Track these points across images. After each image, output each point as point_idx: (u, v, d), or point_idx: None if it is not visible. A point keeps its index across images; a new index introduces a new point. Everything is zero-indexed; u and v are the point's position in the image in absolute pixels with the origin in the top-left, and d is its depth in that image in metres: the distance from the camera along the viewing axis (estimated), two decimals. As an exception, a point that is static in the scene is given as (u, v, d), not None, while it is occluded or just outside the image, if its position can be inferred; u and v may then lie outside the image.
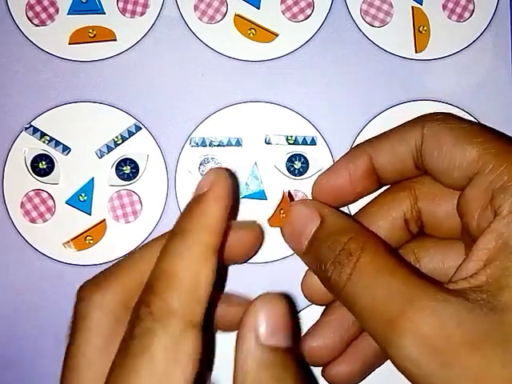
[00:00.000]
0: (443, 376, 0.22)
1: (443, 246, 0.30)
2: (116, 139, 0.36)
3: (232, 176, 0.27)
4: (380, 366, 0.32)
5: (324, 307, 0.32)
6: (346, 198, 0.31)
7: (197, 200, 0.26)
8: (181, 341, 0.23)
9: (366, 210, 0.31)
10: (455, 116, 0.29)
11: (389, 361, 0.24)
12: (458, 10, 0.36)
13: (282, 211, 0.30)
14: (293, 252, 0.35)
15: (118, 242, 0.35)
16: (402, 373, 0.23)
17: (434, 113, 0.29)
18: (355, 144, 0.36)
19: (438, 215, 0.30)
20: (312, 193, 0.31)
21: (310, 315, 0.34)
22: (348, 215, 0.30)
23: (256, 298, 0.25)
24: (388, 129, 0.35)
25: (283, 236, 0.30)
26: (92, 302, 0.27)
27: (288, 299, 0.30)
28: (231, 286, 0.35)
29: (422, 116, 0.29)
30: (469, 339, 0.22)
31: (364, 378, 0.32)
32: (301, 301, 0.34)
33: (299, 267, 0.34)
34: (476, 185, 0.25)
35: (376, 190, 0.31)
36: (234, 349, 0.25)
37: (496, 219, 0.24)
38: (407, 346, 0.23)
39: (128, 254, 0.29)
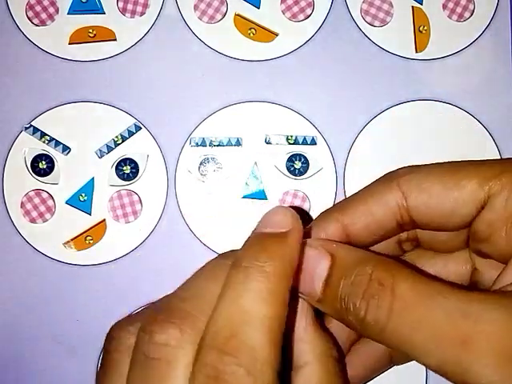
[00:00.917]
0: None
1: (442, 255, 0.30)
2: (116, 139, 0.36)
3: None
4: (382, 373, 0.32)
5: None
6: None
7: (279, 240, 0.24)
8: None
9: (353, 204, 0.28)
10: (418, 165, 0.27)
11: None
12: (459, 9, 0.36)
13: None
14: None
15: (118, 241, 0.35)
16: None
17: (398, 169, 0.27)
18: (355, 144, 0.36)
19: (436, 238, 0.28)
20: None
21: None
22: (357, 247, 0.26)
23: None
24: (388, 128, 0.35)
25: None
26: (184, 352, 0.22)
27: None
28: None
29: (388, 175, 0.27)
30: None
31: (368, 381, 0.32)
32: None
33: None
34: (493, 207, 0.25)
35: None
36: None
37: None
38: (487, 367, 0.21)
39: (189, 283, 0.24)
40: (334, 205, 0.28)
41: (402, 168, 0.27)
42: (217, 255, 0.26)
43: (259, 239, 0.24)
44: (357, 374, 0.30)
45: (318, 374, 0.25)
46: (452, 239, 0.28)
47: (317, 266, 0.25)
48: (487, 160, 0.27)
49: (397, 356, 0.30)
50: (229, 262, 0.23)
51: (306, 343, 0.25)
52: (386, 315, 0.22)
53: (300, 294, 0.26)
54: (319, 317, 0.26)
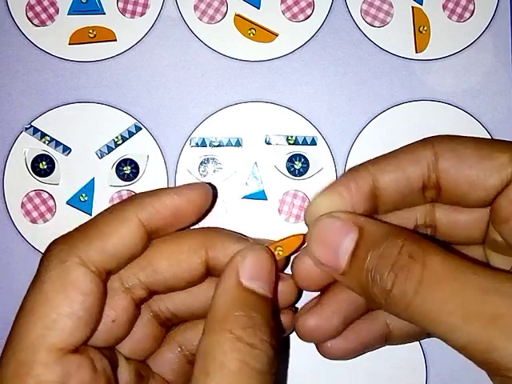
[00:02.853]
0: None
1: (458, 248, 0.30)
2: (116, 139, 0.36)
3: None
4: (376, 349, 0.32)
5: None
6: None
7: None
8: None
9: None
10: (455, 135, 0.28)
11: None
12: (459, 10, 0.36)
13: (279, 248, 0.29)
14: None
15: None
16: (506, 376, 0.21)
17: (440, 135, 0.27)
18: (355, 144, 0.36)
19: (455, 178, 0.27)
20: (305, 216, 0.28)
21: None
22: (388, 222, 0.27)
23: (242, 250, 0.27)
24: (388, 129, 0.35)
25: (313, 259, 0.27)
26: (75, 254, 0.26)
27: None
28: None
29: (428, 138, 0.27)
30: None
31: (358, 355, 0.31)
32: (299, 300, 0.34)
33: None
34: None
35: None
36: (216, 285, 0.26)
37: None
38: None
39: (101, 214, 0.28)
40: (370, 159, 0.28)
41: (441, 135, 0.27)
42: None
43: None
44: (351, 348, 0.30)
45: (207, 346, 0.25)
46: (470, 227, 0.28)
47: (344, 239, 0.25)
48: None
49: (394, 336, 0.30)
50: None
51: (214, 312, 0.26)
52: (414, 288, 0.22)
53: (322, 267, 0.26)
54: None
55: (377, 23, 0.36)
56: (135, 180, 0.36)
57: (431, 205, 0.28)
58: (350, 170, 0.28)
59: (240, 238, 0.30)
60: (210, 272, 0.29)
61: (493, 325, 0.21)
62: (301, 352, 0.35)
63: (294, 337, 0.32)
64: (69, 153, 0.36)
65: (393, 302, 0.23)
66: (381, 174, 0.27)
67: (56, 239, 0.28)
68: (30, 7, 0.36)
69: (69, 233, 0.28)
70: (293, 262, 0.29)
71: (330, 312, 0.29)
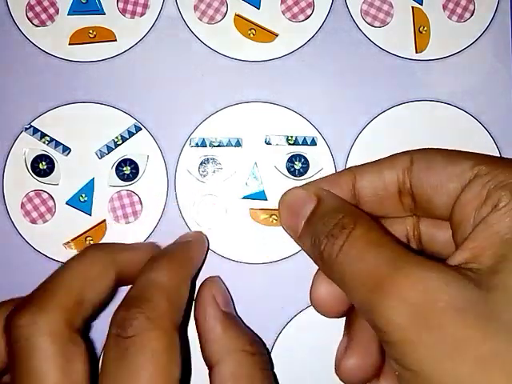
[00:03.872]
0: (425, 340, 0.22)
1: None
2: (116, 140, 0.36)
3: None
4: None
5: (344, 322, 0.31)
6: None
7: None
8: (173, 339, 0.27)
9: None
10: (439, 148, 0.29)
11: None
12: (459, 10, 0.36)
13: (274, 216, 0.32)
14: (293, 253, 0.35)
15: (119, 242, 0.35)
16: (385, 341, 0.23)
17: (420, 148, 0.29)
18: (355, 144, 0.36)
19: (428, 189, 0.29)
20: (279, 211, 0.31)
21: (309, 317, 0.35)
22: (340, 197, 0.30)
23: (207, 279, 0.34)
24: (388, 129, 0.36)
25: (280, 220, 0.31)
26: (38, 328, 0.27)
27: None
28: (231, 285, 0.35)
29: (409, 150, 0.29)
30: (454, 306, 0.22)
31: None
32: (300, 302, 0.34)
33: (299, 268, 0.35)
34: (471, 189, 0.26)
35: None
36: (196, 317, 0.31)
37: (493, 211, 0.24)
38: (391, 309, 0.23)
39: (53, 274, 0.29)
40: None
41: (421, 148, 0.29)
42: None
43: (169, 245, 0.33)
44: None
45: (230, 369, 0.29)
46: (447, 244, 0.29)
47: (303, 206, 0.29)
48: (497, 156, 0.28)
49: None
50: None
51: (215, 343, 0.30)
52: (336, 252, 0.25)
53: (287, 231, 0.30)
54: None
55: (377, 23, 0.36)
56: (135, 180, 0.36)
57: (417, 218, 0.30)
58: (335, 172, 0.32)
59: (140, 246, 0.34)
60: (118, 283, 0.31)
61: (376, 291, 0.23)
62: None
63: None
64: (68, 153, 0.36)
65: (323, 263, 0.27)
66: (360, 175, 0.29)
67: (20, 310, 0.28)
68: (30, 7, 0.36)
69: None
70: (310, 290, 0.30)
71: (361, 349, 0.29)
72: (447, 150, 0.28)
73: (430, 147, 0.29)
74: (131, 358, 0.26)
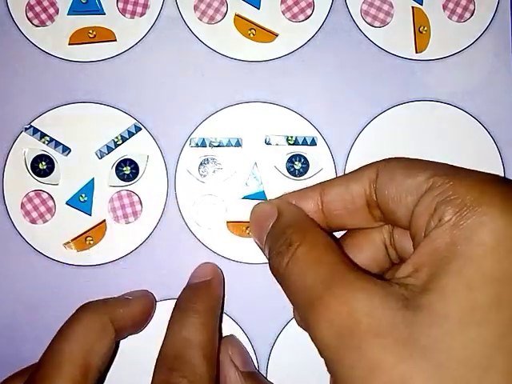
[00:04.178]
0: (346, 361, 0.23)
1: None
2: (116, 140, 0.36)
3: None
4: None
5: None
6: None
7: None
8: None
9: (348, 235, 0.32)
10: (405, 158, 0.29)
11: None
12: (459, 10, 0.36)
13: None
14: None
15: (119, 242, 0.35)
16: (321, 356, 0.24)
17: (386, 158, 0.29)
18: (355, 144, 0.36)
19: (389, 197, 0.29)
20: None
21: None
22: (305, 213, 0.31)
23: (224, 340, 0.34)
24: (388, 129, 0.35)
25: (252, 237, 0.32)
26: None
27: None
28: (231, 285, 0.35)
29: (379, 160, 0.30)
30: (374, 329, 0.22)
31: None
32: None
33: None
34: (423, 202, 0.25)
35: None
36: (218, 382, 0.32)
37: (436, 227, 0.24)
38: (320, 330, 0.24)
39: (53, 346, 0.31)
40: None
41: (388, 158, 0.29)
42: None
43: (191, 288, 0.34)
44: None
45: None
46: None
47: (266, 220, 0.30)
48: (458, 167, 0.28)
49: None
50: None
51: None
52: (283, 268, 0.27)
53: (256, 244, 0.31)
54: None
55: (377, 23, 0.36)
56: (135, 180, 0.36)
57: (391, 227, 0.30)
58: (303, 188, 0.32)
59: (133, 299, 0.35)
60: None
61: (310, 312, 0.24)
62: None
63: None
64: (68, 153, 0.36)
65: (275, 276, 0.28)
66: (328, 189, 0.30)
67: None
68: (30, 7, 0.36)
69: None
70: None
71: None
72: (410, 160, 0.29)
73: (394, 157, 0.29)
74: None
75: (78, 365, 0.29)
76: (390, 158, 0.29)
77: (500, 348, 0.22)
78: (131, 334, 0.34)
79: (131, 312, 0.33)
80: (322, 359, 0.24)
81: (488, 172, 0.26)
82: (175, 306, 0.33)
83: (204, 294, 0.33)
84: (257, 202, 0.35)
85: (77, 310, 0.32)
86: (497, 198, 0.24)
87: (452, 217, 0.24)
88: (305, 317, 0.25)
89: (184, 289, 0.34)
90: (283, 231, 0.28)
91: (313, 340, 0.25)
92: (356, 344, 0.23)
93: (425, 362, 0.22)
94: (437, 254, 0.24)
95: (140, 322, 0.34)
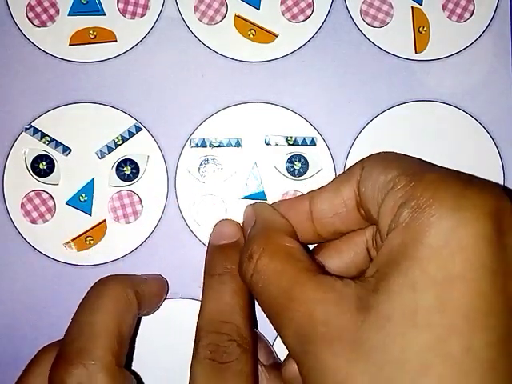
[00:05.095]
0: (306, 365, 0.24)
1: None
2: (116, 140, 0.36)
3: None
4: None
5: None
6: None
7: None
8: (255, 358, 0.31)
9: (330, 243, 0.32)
10: (394, 152, 0.30)
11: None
12: (458, 10, 0.36)
13: None
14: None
15: (119, 242, 0.36)
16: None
17: (374, 153, 0.29)
18: (355, 145, 0.36)
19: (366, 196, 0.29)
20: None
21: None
22: (278, 217, 0.31)
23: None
24: (387, 129, 0.35)
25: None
26: (95, 376, 0.28)
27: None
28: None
29: (364, 158, 0.29)
30: (327, 335, 0.23)
31: None
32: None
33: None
34: (387, 202, 0.25)
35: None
36: None
37: (394, 227, 0.24)
38: (287, 337, 0.25)
39: (84, 315, 0.30)
40: None
41: (374, 153, 0.30)
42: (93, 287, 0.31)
43: (222, 250, 0.33)
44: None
45: None
46: None
47: (247, 227, 0.31)
48: (433, 165, 0.28)
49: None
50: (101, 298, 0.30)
51: None
52: (249, 279, 0.28)
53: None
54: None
55: (376, 24, 0.36)
56: (135, 180, 0.36)
57: (374, 227, 0.30)
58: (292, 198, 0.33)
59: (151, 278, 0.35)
60: None
61: (278, 320, 0.26)
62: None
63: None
64: (69, 153, 0.36)
65: (244, 281, 0.29)
66: (318, 198, 0.30)
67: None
68: (31, 8, 0.36)
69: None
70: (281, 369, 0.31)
71: None
72: (390, 155, 0.29)
73: (378, 153, 0.29)
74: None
75: (114, 335, 0.29)
76: (374, 154, 0.29)
77: (438, 352, 0.22)
78: (144, 315, 0.34)
79: (149, 289, 0.33)
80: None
81: (464, 172, 0.27)
82: (206, 270, 0.32)
83: (236, 257, 0.32)
84: (256, 202, 0.35)
85: (100, 283, 0.32)
86: (448, 197, 0.23)
87: (406, 218, 0.24)
88: (274, 325, 0.26)
89: (210, 251, 0.33)
90: (248, 243, 0.29)
91: (284, 346, 0.26)
92: (312, 350, 0.24)
93: (367, 363, 0.22)
94: (390, 255, 0.24)
95: (156, 301, 0.34)
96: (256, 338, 0.32)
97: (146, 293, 0.33)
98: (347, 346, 0.23)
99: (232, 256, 0.32)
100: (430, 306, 0.22)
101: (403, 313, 0.22)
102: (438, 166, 0.28)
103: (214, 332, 0.29)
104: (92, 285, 0.32)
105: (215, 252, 0.33)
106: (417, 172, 0.25)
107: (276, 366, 0.33)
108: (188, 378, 0.29)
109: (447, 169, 0.27)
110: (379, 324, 0.22)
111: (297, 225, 0.30)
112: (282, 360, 0.32)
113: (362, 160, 0.29)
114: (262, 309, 0.27)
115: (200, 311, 0.31)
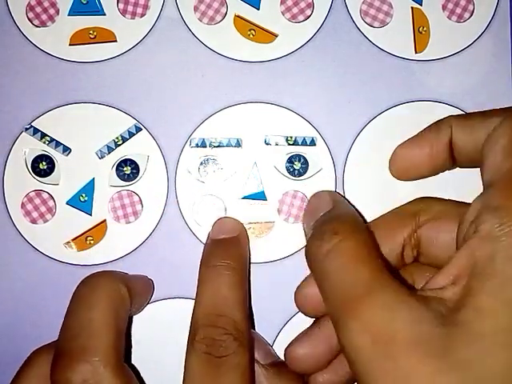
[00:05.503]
0: (378, 368, 0.23)
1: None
2: (116, 140, 0.36)
3: None
4: None
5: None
6: (422, 172, 0.32)
7: None
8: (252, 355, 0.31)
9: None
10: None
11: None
12: (458, 10, 0.36)
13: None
14: (293, 251, 0.35)
15: (119, 242, 0.36)
16: (346, 357, 0.24)
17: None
18: (355, 145, 0.36)
19: (437, 245, 0.30)
20: (390, 163, 0.33)
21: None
22: (355, 210, 0.31)
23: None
24: (387, 129, 0.35)
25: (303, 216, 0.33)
26: (98, 373, 0.28)
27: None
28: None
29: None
30: (412, 340, 0.22)
31: None
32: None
33: (299, 267, 0.35)
34: (472, 205, 0.25)
35: (450, 169, 0.32)
36: None
37: (473, 236, 0.24)
38: (353, 331, 0.24)
39: (80, 312, 0.30)
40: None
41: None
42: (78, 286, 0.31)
43: (220, 244, 0.33)
44: (341, 380, 0.31)
45: None
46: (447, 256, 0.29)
47: (319, 208, 0.30)
48: None
49: None
50: (95, 293, 0.30)
51: None
52: (322, 255, 0.26)
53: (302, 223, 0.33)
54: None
55: (376, 24, 0.36)
56: (135, 180, 0.36)
57: (416, 226, 0.30)
58: (433, 124, 0.32)
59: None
60: None
61: (344, 309, 0.24)
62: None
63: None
64: (69, 153, 0.36)
65: (310, 259, 0.28)
66: (456, 128, 0.30)
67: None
68: (31, 8, 0.36)
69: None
70: (297, 288, 0.31)
71: (317, 341, 0.30)
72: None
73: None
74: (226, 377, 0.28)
75: (114, 331, 0.29)
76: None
77: None
78: (131, 314, 0.34)
79: (137, 286, 0.33)
80: (348, 359, 0.24)
81: None
82: (203, 261, 0.32)
83: (235, 251, 0.32)
84: (256, 202, 0.36)
85: (91, 278, 0.32)
86: None
87: (493, 229, 0.23)
88: (336, 314, 0.25)
89: (209, 244, 0.33)
90: (332, 219, 0.28)
91: (340, 340, 0.24)
92: (391, 353, 0.22)
93: (463, 374, 0.22)
94: (475, 268, 0.23)
95: (143, 299, 0.34)
96: (253, 332, 0.32)
97: (136, 289, 0.33)
98: (435, 354, 0.22)
99: (231, 250, 0.32)
100: None
101: (498, 330, 0.22)
102: None
103: (210, 325, 0.29)
104: (82, 280, 0.31)
105: (214, 245, 0.33)
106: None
107: (275, 364, 0.32)
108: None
109: None
110: (471, 339, 0.22)
111: (436, 153, 0.31)
112: (282, 360, 0.32)
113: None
114: (325, 293, 0.26)
115: (196, 303, 0.30)
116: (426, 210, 0.30)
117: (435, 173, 0.32)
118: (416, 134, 0.32)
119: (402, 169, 0.32)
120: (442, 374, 0.22)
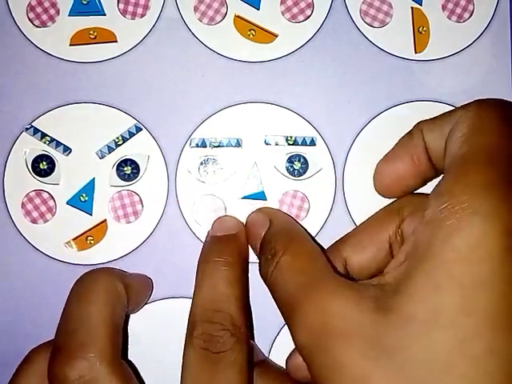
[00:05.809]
0: (316, 361, 0.24)
1: None
2: (117, 140, 0.36)
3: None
4: None
5: None
6: (409, 183, 0.31)
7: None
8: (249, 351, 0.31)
9: (353, 235, 0.32)
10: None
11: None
12: (458, 10, 0.36)
13: None
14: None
15: (119, 242, 0.36)
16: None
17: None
18: (355, 145, 0.36)
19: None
20: (375, 181, 0.32)
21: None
22: (290, 219, 0.33)
23: None
24: (387, 129, 0.36)
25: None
26: (97, 368, 0.28)
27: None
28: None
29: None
30: (342, 331, 0.23)
31: None
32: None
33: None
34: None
35: (436, 177, 0.31)
36: None
37: (419, 222, 0.24)
38: (295, 332, 0.25)
39: (77, 308, 0.30)
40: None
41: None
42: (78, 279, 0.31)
43: (219, 240, 0.33)
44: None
45: None
46: None
47: (259, 229, 0.31)
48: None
49: None
50: (95, 287, 0.30)
51: None
52: (269, 275, 0.28)
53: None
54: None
55: (376, 24, 0.36)
56: (136, 180, 0.36)
57: (400, 221, 0.30)
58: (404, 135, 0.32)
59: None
60: None
61: (291, 315, 0.26)
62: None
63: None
64: (69, 153, 0.36)
65: (264, 282, 0.29)
66: (427, 131, 0.30)
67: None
68: (31, 8, 0.36)
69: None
70: (288, 357, 0.32)
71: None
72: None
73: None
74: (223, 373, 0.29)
75: (111, 327, 0.29)
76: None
77: (462, 352, 0.22)
78: (129, 313, 0.34)
79: (134, 283, 0.33)
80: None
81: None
82: (202, 257, 0.32)
83: (234, 248, 0.32)
84: (256, 202, 0.36)
85: (89, 274, 0.32)
86: (485, 206, 0.23)
87: (436, 214, 0.24)
88: (287, 321, 0.26)
89: (208, 241, 0.33)
90: (270, 240, 0.30)
91: (294, 342, 0.26)
92: (325, 345, 0.24)
93: (387, 361, 0.22)
94: (415, 252, 0.24)
95: (141, 297, 0.34)
96: (251, 327, 0.32)
97: (133, 287, 0.33)
98: (366, 342, 0.23)
99: (230, 246, 0.32)
100: (454, 307, 0.22)
101: (426, 313, 0.22)
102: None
103: (208, 321, 0.29)
104: (79, 277, 0.31)
105: (212, 242, 0.33)
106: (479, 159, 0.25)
107: (262, 363, 0.33)
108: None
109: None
110: (400, 323, 0.22)
111: (418, 161, 0.30)
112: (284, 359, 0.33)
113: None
114: (278, 305, 0.28)
115: (193, 298, 0.31)
116: (408, 204, 0.30)
117: (423, 182, 0.31)
118: (392, 147, 0.32)
119: (388, 185, 0.31)
120: (368, 361, 0.22)
